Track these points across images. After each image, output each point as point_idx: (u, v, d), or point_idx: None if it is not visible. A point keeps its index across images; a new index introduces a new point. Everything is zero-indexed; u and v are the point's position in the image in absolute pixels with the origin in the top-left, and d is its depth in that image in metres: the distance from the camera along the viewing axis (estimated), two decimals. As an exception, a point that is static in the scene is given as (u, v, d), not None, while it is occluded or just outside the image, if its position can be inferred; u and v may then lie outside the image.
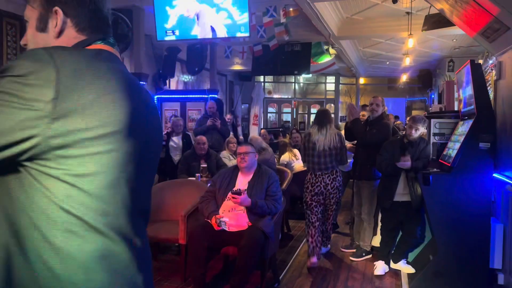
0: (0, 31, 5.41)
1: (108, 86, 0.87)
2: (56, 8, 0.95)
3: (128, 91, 0.91)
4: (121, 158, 0.89)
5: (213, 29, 5.85)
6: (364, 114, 5.09)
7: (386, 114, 4.53)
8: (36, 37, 0.98)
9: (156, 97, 8.64)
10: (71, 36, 0.98)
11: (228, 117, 7.43)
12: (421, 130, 3.74)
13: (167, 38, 6.24)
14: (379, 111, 4.28)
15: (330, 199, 4.22)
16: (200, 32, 5.89)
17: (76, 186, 0.83)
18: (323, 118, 4.23)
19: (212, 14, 5.79)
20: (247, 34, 5.81)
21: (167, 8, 5.95)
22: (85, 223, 0.85)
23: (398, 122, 9.12)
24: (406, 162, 3.64)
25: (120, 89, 0.89)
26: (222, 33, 5.84)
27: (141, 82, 5.85)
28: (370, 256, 4.33)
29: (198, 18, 5.85)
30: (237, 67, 11.84)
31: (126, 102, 0.89)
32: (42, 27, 0.97)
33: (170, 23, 6.08)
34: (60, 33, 0.97)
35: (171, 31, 6.11)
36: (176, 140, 6.03)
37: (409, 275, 3.84)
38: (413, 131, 3.71)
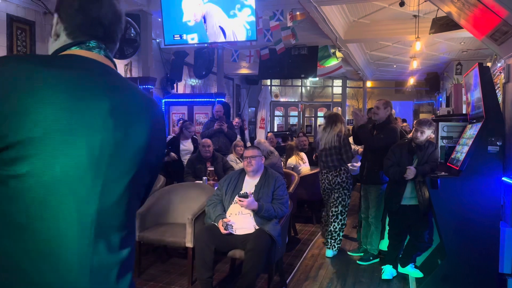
0: (10, 36, 5.49)
1: (31, 95, 0.83)
2: (56, 13, 1.01)
3: (64, 98, 0.86)
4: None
5: (222, 29, 5.85)
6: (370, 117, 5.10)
7: (393, 118, 4.51)
8: (48, 42, 1.03)
9: (163, 100, 8.69)
10: (62, 41, 1.00)
11: (236, 120, 7.45)
12: (428, 133, 3.70)
13: (174, 43, 6.28)
14: (379, 114, 4.23)
15: (334, 193, 4.51)
16: (209, 34, 5.89)
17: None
18: (328, 121, 4.60)
19: (219, 13, 5.79)
20: (253, 38, 5.83)
21: (175, 13, 5.99)
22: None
23: (404, 124, 9.07)
24: (409, 174, 3.61)
25: (47, 96, 0.84)
26: (230, 32, 5.82)
27: (148, 86, 5.91)
28: (377, 260, 4.31)
29: (205, 21, 5.86)
30: (244, 71, 11.87)
31: (48, 109, 0.83)
32: (51, 32, 1.02)
33: (178, 27, 6.12)
34: (57, 37, 1.01)
35: (178, 36, 6.15)
36: (187, 144, 6.05)
37: (417, 279, 3.81)
38: (419, 134, 3.69)
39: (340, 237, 4.62)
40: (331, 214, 4.58)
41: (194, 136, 6.40)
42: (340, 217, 4.58)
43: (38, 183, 0.83)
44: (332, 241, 4.56)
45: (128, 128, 0.96)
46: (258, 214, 3.36)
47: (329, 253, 4.53)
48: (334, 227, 4.55)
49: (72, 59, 0.97)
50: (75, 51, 0.99)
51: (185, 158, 5.87)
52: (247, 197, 3.28)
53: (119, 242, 0.95)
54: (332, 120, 4.58)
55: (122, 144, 0.95)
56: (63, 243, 0.86)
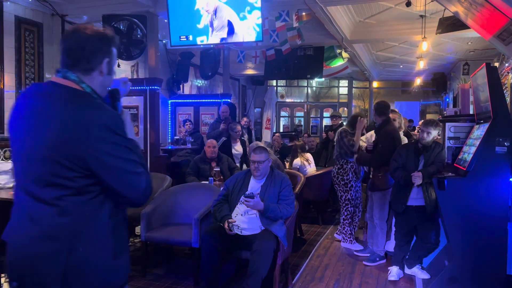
0: (19, 38, 5.54)
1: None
2: None
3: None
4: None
5: (230, 23, 5.84)
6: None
7: (391, 119, 4.50)
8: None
9: (170, 101, 8.72)
10: None
11: (244, 120, 7.44)
12: (434, 133, 3.68)
13: (180, 44, 6.30)
14: (375, 118, 4.37)
15: (336, 186, 4.91)
16: (216, 26, 5.89)
17: None
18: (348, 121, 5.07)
19: (231, 12, 5.81)
20: (260, 39, 5.83)
21: (181, 14, 6.01)
22: None
23: (406, 124, 9.00)
24: (416, 178, 3.60)
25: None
26: (239, 32, 5.83)
27: (154, 87, 5.93)
28: (384, 261, 4.29)
29: (215, 13, 5.87)
30: (250, 72, 11.87)
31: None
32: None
33: (184, 28, 6.14)
34: None
35: (184, 37, 6.17)
36: (237, 148, 5.92)
37: (424, 280, 3.79)
38: (425, 135, 3.67)
39: (345, 230, 4.88)
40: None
41: (242, 138, 6.17)
42: (342, 210, 4.91)
43: None
44: (343, 234, 4.91)
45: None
46: (264, 214, 3.36)
47: (343, 244, 4.91)
48: (340, 220, 4.98)
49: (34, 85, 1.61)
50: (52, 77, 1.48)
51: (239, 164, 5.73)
52: (253, 197, 3.27)
53: None
54: (348, 121, 5.06)
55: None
56: None
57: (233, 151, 5.83)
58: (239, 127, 5.88)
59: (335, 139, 5.07)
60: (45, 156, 1.32)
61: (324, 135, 6.89)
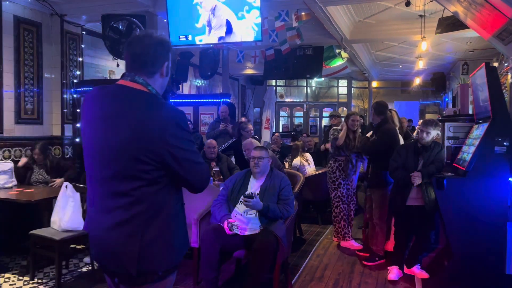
0: (18, 37, 5.53)
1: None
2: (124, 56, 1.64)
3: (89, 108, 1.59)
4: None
5: (228, 23, 5.82)
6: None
7: (390, 118, 4.51)
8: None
9: (169, 101, 8.70)
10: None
11: (242, 120, 7.44)
12: (433, 133, 3.68)
13: (180, 44, 6.29)
14: (372, 118, 4.42)
15: (328, 184, 5.00)
16: (214, 25, 5.88)
17: None
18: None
19: (229, 12, 5.80)
20: (259, 39, 5.83)
21: (180, 14, 6.00)
22: None
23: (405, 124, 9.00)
24: (416, 178, 3.60)
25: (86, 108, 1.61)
26: (238, 32, 5.82)
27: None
28: (383, 261, 4.29)
29: (213, 12, 5.85)
30: (249, 71, 11.87)
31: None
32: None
33: (183, 28, 6.13)
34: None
35: (184, 37, 6.17)
36: None
37: (423, 280, 3.79)
38: (425, 135, 3.67)
39: (341, 224, 4.91)
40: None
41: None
42: (332, 207, 4.98)
43: None
44: (339, 235, 4.93)
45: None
46: (263, 214, 3.36)
47: (342, 244, 4.92)
48: (334, 220, 5.02)
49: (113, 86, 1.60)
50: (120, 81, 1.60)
51: None
52: (252, 197, 3.27)
53: None
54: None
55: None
56: None
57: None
58: (250, 126, 5.84)
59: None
60: (124, 153, 1.47)
61: (323, 147, 6.88)
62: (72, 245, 4.30)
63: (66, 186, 3.78)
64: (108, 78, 7.18)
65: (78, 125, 6.14)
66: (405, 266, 3.93)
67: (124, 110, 1.50)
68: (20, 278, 3.92)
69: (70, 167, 5.23)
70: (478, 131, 3.62)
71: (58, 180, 4.86)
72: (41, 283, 3.79)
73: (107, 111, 1.52)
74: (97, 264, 1.72)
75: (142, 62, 1.56)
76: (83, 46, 6.53)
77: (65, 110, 6.16)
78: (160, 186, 1.51)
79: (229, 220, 3.34)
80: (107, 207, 1.52)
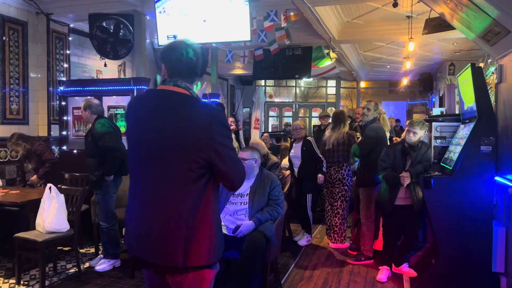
0: (2, 36, 5.44)
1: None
2: (163, 63, 1.74)
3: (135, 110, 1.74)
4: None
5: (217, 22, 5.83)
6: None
7: (379, 118, 4.57)
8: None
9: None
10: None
11: (230, 120, 7.42)
12: (420, 133, 3.71)
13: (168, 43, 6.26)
14: (362, 117, 4.48)
15: (335, 188, 4.85)
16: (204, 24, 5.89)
17: None
18: (336, 120, 4.96)
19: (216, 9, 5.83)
20: (248, 39, 5.83)
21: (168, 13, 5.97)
22: None
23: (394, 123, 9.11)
24: (405, 179, 3.63)
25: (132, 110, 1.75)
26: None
27: (142, 87, 5.87)
28: (371, 261, 4.32)
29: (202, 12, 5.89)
30: (238, 71, 11.85)
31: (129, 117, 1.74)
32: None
33: (171, 28, 6.10)
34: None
35: (172, 36, 6.13)
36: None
37: (411, 278, 3.82)
38: (412, 135, 3.71)
39: (343, 231, 4.92)
40: (333, 208, 4.90)
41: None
42: (341, 212, 4.86)
43: None
44: (336, 235, 4.88)
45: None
46: (253, 216, 3.35)
47: (333, 245, 4.91)
48: (335, 222, 4.87)
49: (154, 90, 1.78)
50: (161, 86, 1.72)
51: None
52: (239, 228, 3.24)
53: None
54: (340, 119, 4.95)
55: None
56: None
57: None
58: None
59: (335, 141, 4.86)
60: (174, 152, 1.58)
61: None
62: (59, 247, 4.25)
63: (50, 188, 3.73)
64: (96, 78, 7.10)
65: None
66: (393, 265, 3.97)
67: (172, 112, 1.62)
68: (6, 280, 3.86)
69: (45, 152, 5.01)
70: (464, 131, 3.66)
71: (33, 177, 4.81)
72: (27, 286, 3.73)
73: (156, 113, 1.63)
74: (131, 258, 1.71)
75: (185, 69, 1.68)
76: (69, 45, 6.45)
77: (52, 105, 6.08)
78: (203, 183, 1.61)
79: (237, 224, 3.31)
80: (154, 202, 1.62)
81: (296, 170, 5.03)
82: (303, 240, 4.99)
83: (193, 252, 1.59)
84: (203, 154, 1.58)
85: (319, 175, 4.82)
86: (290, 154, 5.14)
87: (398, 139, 5.25)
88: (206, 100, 8.12)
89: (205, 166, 1.60)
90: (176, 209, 1.59)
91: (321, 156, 4.87)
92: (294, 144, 5.14)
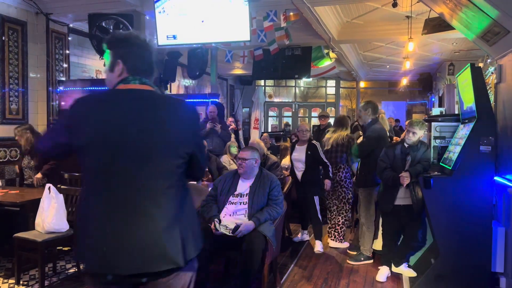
0: (2, 36, 5.44)
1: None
2: (119, 60, 1.60)
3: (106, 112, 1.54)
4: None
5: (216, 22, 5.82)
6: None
7: (378, 119, 4.55)
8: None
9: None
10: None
11: (229, 120, 7.42)
12: (419, 133, 3.71)
13: (167, 43, 6.26)
14: (362, 118, 4.45)
15: (336, 190, 4.88)
16: (203, 24, 5.89)
17: None
18: (338, 124, 5.06)
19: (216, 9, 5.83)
20: (247, 39, 5.83)
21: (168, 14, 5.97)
22: None
23: (393, 124, 9.10)
24: (405, 179, 3.63)
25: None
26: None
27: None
28: (371, 260, 4.32)
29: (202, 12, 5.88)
30: (238, 71, 11.86)
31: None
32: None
33: (171, 28, 6.10)
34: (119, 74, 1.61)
35: (171, 36, 6.14)
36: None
37: (411, 278, 3.83)
38: (411, 135, 3.71)
39: (344, 230, 4.94)
40: (335, 208, 4.93)
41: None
42: (344, 212, 4.89)
43: None
44: (337, 234, 4.90)
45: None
46: (253, 216, 3.35)
47: (333, 244, 4.90)
48: (338, 221, 4.90)
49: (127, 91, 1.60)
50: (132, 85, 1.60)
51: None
52: (238, 227, 3.23)
53: None
54: (342, 123, 5.02)
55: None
56: None
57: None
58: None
59: (334, 142, 4.90)
60: (165, 151, 1.54)
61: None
62: (58, 247, 4.25)
63: (49, 188, 3.73)
64: (95, 77, 7.10)
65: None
66: (392, 265, 3.97)
67: (157, 112, 1.56)
68: (5, 280, 3.86)
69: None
70: (464, 131, 3.66)
71: (38, 175, 4.79)
72: (26, 286, 3.73)
73: (139, 114, 1.54)
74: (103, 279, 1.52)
75: (147, 67, 1.63)
76: (69, 45, 6.45)
77: (52, 105, 6.08)
78: (182, 180, 1.62)
79: (215, 221, 3.31)
80: (140, 208, 1.50)
81: (298, 173, 4.86)
82: (299, 237, 5.09)
83: (188, 246, 1.56)
84: (188, 149, 1.60)
85: (326, 180, 4.70)
86: (293, 156, 4.95)
87: (398, 139, 5.25)
88: (207, 100, 8.13)
89: (187, 161, 1.61)
90: (169, 207, 1.54)
91: (326, 161, 4.72)
92: (297, 146, 4.93)
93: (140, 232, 1.48)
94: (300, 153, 4.84)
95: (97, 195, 1.52)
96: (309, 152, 4.73)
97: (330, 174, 4.74)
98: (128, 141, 1.51)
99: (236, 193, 3.48)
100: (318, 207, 4.77)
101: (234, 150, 5.75)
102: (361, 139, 4.58)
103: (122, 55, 1.60)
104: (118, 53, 1.60)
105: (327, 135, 5.06)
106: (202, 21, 5.91)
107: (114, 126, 1.52)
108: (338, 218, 4.91)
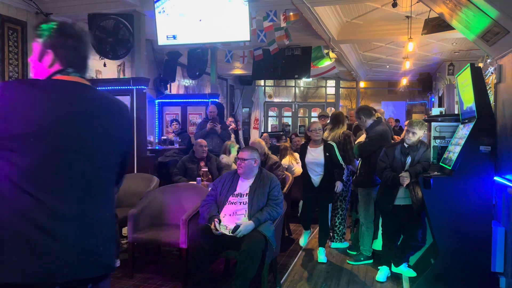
0: (2, 36, 5.44)
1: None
2: (49, 50, 1.45)
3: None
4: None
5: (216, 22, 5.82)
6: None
7: (381, 120, 4.55)
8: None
9: (157, 101, 8.66)
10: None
11: (229, 120, 7.42)
12: (419, 133, 3.71)
13: (167, 43, 6.26)
14: (360, 123, 4.43)
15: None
16: (203, 24, 5.89)
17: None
18: (335, 121, 4.95)
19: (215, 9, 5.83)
20: (247, 39, 5.83)
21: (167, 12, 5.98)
22: None
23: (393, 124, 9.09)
24: (404, 179, 3.62)
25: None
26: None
27: (141, 87, 5.88)
28: (371, 261, 4.32)
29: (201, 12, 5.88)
30: (238, 71, 11.86)
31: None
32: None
33: (171, 28, 6.11)
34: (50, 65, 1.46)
35: (171, 36, 6.14)
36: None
37: (411, 278, 3.83)
38: (411, 135, 3.71)
39: (343, 231, 4.92)
40: (333, 208, 4.85)
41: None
42: (340, 211, 4.85)
43: None
44: (336, 234, 4.87)
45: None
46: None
47: (333, 245, 4.88)
48: (334, 221, 4.87)
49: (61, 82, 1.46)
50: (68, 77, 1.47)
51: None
52: (238, 227, 3.24)
53: None
54: (338, 120, 4.93)
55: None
56: None
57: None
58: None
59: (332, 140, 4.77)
60: (109, 148, 1.47)
61: None
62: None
63: None
64: (95, 78, 7.10)
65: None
66: (392, 265, 3.97)
67: (101, 108, 1.48)
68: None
69: None
70: (463, 131, 3.66)
71: None
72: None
73: (85, 109, 1.42)
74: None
75: (84, 58, 1.52)
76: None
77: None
78: (114, 178, 1.58)
79: (215, 220, 3.31)
80: (84, 201, 1.39)
81: (315, 178, 4.40)
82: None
83: (114, 249, 1.52)
84: (126, 147, 1.59)
85: (338, 182, 4.41)
86: (308, 159, 4.44)
87: (399, 138, 5.25)
88: (207, 100, 8.14)
89: (121, 162, 1.58)
90: (108, 207, 1.48)
91: (343, 163, 4.43)
92: (310, 148, 4.46)
93: (79, 228, 1.37)
94: (316, 155, 4.39)
95: (32, 189, 1.32)
96: (327, 154, 4.35)
97: (344, 177, 4.53)
98: (71, 135, 1.38)
99: (236, 193, 3.49)
100: (329, 214, 4.59)
101: (234, 151, 5.71)
102: (362, 138, 4.56)
103: (53, 44, 1.45)
104: (49, 42, 1.45)
105: (325, 134, 5.02)
106: (200, 20, 5.91)
107: (55, 117, 1.36)
108: (334, 219, 4.88)
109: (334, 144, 4.43)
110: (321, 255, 4.38)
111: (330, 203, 4.57)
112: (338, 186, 4.42)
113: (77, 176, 1.38)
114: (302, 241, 4.83)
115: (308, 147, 4.50)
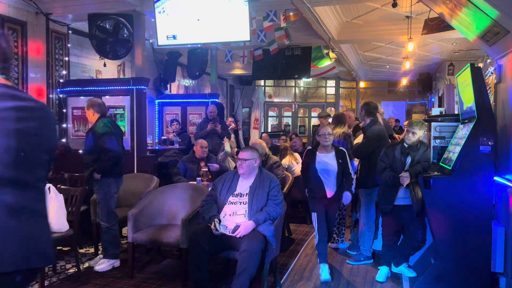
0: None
1: None
2: None
3: None
4: None
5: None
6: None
7: (377, 119, 4.55)
8: None
9: (157, 101, 8.66)
10: None
11: (229, 120, 7.42)
12: (419, 133, 3.71)
13: (167, 43, 6.26)
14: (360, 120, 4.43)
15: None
16: (203, 24, 5.90)
17: None
18: (337, 121, 4.96)
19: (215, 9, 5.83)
20: (247, 39, 5.83)
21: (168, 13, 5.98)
22: None
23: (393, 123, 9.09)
24: (404, 179, 3.62)
25: None
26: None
27: (141, 87, 5.88)
28: (371, 261, 4.32)
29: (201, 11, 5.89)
30: (238, 71, 11.86)
31: None
32: None
33: (171, 28, 6.11)
34: None
35: (171, 36, 6.14)
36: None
37: (411, 278, 3.83)
38: (411, 135, 3.71)
39: (343, 231, 4.87)
40: None
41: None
42: (339, 212, 4.77)
43: None
44: (335, 235, 4.81)
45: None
46: (253, 216, 3.35)
47: (332, 245, 4.82)
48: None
49: None
50: None
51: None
52: (238, 227, 3.24)
53: None
54: (340, 120, 4.93)
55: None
56: None
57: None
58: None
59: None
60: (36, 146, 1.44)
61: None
62: (58, 247, 4.25)
63: (49, 188, 3.73)
64: (95, 78, 7.10)
65: (64, 125, 6.06)
66: (392, 265, 3.97)
67: (37, 114, 1.44)
68: (5, 281, 3.85)
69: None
70: (463, 131, 3.67)
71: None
72: (26, 286, 3.72)
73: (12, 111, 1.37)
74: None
75: (8, 58, 1.49)
76: (69, 45, 6.45)
77: (51, 111, 6.07)
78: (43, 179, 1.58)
79: (215, 220, 3.31)
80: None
81: (329, 190, 3.97)
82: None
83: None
84: (51, 146, 1.56)
85: (347, 192, 3.97)
86: (319, 166, 3.97)
87: (399, 137, 5.25)
88: (207, 100, 8.14)
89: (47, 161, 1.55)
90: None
91: (352, 172, 4.10)
92: (319, 154, 4.01)
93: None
94: (328, 162, 3.98)
95: None
96: (340, 161, 3.97)
97: (352, 188, 4.13)
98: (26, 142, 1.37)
99: (235, 193, 3.49)
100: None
101: (228, 147, 5.59)
102: (360, 138, 4.57)
103: None
104: None
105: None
106: (198, 20, 5.90)
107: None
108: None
109: (345, 150, 4.13)
110: (324, 272, 3.88)
111: (336, 213, 4.37)
112: (348, 197, 3.97)
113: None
114: (324, 276, 3.85)
115: (317, 152, 4.04)
